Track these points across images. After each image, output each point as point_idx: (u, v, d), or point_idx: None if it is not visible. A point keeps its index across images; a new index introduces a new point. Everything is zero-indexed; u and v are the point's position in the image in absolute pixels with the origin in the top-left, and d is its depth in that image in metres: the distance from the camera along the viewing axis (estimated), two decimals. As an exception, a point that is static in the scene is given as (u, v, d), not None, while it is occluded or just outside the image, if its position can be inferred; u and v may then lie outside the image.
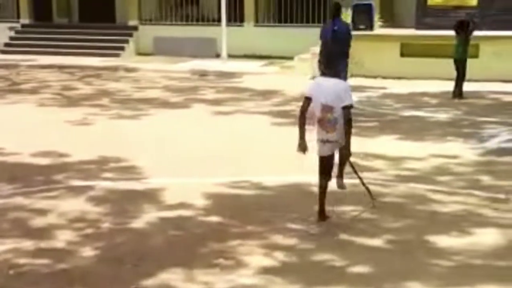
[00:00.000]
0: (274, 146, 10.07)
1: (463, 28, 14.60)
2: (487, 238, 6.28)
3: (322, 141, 6.52)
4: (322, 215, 6.66)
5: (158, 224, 6.71)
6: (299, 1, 22.00)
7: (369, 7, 19.04)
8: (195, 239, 6.24)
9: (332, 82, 6.44)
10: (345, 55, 12.35)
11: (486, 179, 8.33)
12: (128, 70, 19.86)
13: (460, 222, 6.71)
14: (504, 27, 17.20)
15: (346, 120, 6.38)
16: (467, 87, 14.68)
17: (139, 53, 23.18)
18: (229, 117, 12.68)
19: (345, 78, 11.55)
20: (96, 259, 5.83)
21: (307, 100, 6.50)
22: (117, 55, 22.48)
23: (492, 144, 10.00)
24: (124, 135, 10.94)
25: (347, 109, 6.37)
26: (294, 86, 15.10)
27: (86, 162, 9.08)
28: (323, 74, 6.58)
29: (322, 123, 6.44)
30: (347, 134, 6.47)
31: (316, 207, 6.77)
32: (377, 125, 11.72)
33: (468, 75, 14.68)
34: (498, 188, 7.87)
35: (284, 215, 6.84)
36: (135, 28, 23.71)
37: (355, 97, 14.03)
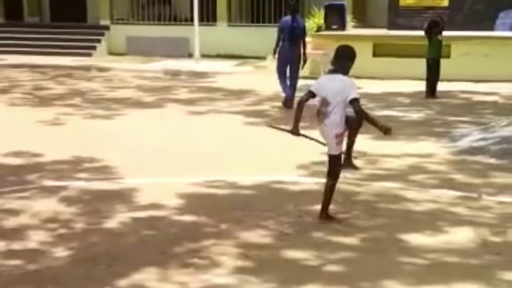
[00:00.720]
0: (248, 145, 10.07)
1: (435, 28, 14.72)
2: (460, 236, 6.32)
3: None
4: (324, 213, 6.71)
5: (132, 224, 6.67)
6: (271, 1, 22.02)
7: (341, 8, 19.12)
8: (169, 239, 6.20)
9: (336, 79, 6.52)
10: (299, 45, 13.49)
11: (458, 177, 8.40)
12: (100, 69, 19.74)
13: (434, 221, 6.76)
14: (475, 27, 17.38)
15: (357, 111, 6.50)
16: (439, 86, 14.81)
17: (111, 53, 23.04)
18: (203, 116, 12.65)
19: (299, 66, 13.64)
20: (69, 259, 5.78)
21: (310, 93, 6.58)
22: (89, 55, 22.32)
23: (464, 143, 10.07)
24: (97, 135, 10.86)
25: (355, 102, 6.42)
26: (267, 85, 15.11)
27: (59, 162, 9.00)
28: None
29: (317, 114, 6.56)
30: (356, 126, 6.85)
31: (290, 207, 6.79)
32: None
33: (440, 75, 14.81)
34: (470, 187, 7.94)
35: (258, 214, 6.84)
36: (107, 27, 23.57)
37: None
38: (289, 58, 13.48)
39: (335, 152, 6.60)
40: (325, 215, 6.66)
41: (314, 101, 6.58)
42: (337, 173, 6.68)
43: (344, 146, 6.76)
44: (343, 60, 6.56)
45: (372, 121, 6.61)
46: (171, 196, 7.44)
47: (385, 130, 6.49)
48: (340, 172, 6.70)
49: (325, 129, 6.50)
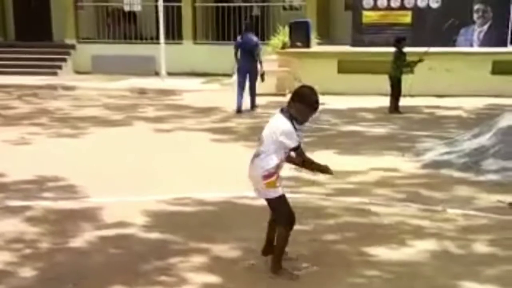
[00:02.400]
0: (214, 162, 10.09)
1: (398, 45, 14.92)
2: (425, 249, 6.40)
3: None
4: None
5: (98, 242, 6.64)
6: (236, 19, 22.14)
7: (306, 25, 19.32)
8: (136, 257, 6.19)
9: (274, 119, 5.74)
10: (253, 60, 15.21)
11: (423, 191, 8.49)
12: (66, 88, 19.64)
13: (399, 234, 6.83)
14: (438, 43, 17.62)
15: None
16: (403, 102, 15.00)
17: (77, 72, 22.97)
18: (170, 134, 12.66)
19: (255, 78, 15.26)
20: (36, 279, 5.74)
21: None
22: (54, 74, 22.21)
23: (428, 157, 10.18)
24: (63, 154, 10.80)
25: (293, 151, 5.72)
26: (234, 103, 15.16)
27: (24, 182, 8.93)
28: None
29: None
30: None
31: (260, 223, 6.83)
32: (316, 140, 11.83)
33: (404, 90, 15.00)
34: (434, 200, 8.04)
35: (226, 231, 6.86)
36: (72, 46, 23.51)
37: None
38: (244, 71, 15.32)
39: (269, 197, 5.72)
40: (278, 268, 5.82)
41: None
42: (284, 220, 5.78)
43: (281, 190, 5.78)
44: (292, 101, 5.64)
45: (311, 167, 5.98)
46: (137, 214, 7.43)
47: (324, 170, 5.93)
48: (289, 217, 5.77)
49: (251, 167, 5.76)
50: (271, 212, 5.94)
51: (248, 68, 15.29)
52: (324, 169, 5.94)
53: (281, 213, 5.78)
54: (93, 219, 7.35)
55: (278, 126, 5.59)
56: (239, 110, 15.04)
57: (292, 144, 5.58)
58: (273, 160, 5.59)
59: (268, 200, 5.75)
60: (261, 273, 5.82)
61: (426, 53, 14.97)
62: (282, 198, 5.73)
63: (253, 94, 15.48)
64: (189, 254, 6.24)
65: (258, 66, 15.34)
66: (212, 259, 6.13)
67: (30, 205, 7.89)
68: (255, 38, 15.53)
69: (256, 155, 5.69)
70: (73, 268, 5.98)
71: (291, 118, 5.59)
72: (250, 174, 5.76)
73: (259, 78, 15.42)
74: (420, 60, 14.84)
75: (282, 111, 5.65)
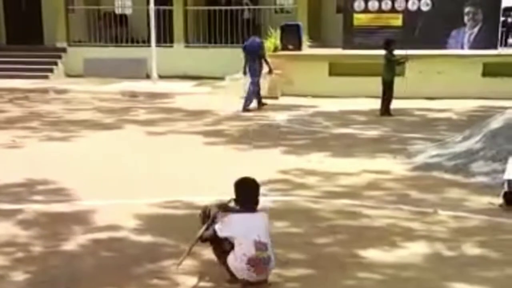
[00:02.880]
0: (206, 165, 10.10)
1: (388, 48, 14.98)
2: (417, 251, 6.42)
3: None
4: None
5: (90, 246, 6.63)
6: (228, 22, 22.15)
7: (297, 28, 19.36)
8: (128, 260, 6.19)
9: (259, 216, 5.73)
10: (259, 60, 16.07)
11: (414, 193, 8.52)
12: (58, 91, 19.60)
13: (391, 236, 6.85)
14: (429, 46, 17.70)
15: None
16: (394, 104, 15.04)
17: (68, 75, 22.93)
18: (162, 137, 12.65)
19: (258, 77, 16.01)
20: (28, 283, 5.73)
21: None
22: (46, 77, 22.18)
23: (420, 159, 10.22)
24: (55, 157, 10.79)
25: None
26: (226, 105, 15.18)
27: (15, 185, 8.91)
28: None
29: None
30: None
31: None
32: (308, 142, 11.87)
33: (395, 93, 15.05)
34: (426, 202, 8.07)
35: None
36: (63, 49, 23.47)
37: (285, 115, 14.32)
38: (251, 72, 16.02)
39: None
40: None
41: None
42: None
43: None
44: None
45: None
46: (129, 217, 7.42)
47: None
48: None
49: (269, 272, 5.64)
50: None
51: (252, 69, 15.99)
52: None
53: None
54: (85, 222, 7.35)
55: (265, 219, 5.74)
56: (247, 109, 15.69)
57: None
58: None
59: None
60: (253, 275, 5.83)
61: (406, 56, 15.06)
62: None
63: (258, 92, 16.08)
64: (181, 257, 6.23)
65: (265, 65, 16.23)
66: (204, 262, 6.13)
67: (22, 208, 7.87)
68: (258, 40, 16.50)
69: (269, 260, 5.56)
70: (65, 271, 5.97)
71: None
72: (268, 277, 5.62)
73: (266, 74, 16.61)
74: (402, 62, 15.00)
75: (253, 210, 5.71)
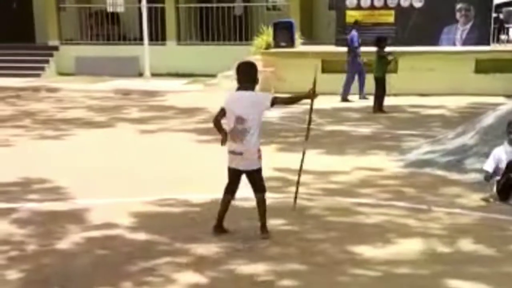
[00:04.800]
0: (199, 163, 10.10)
1: (380, 45, 15.01)
2: (411, 247, 6.43)
3: (231, 152, 6.57)
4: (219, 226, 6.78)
5: (85, 244, 6.63)
6: (220, 19, 22.15)
7: (289, 25, 19.38)
8: (122, 258, 6.18)
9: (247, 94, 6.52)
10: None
11: (408, 190, 8.54)
12: (50, 90, 19.57)
13: (385, 233, 6.86)
14: (421, 43, 17.74)
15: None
16: (387, 101, 15.07)
17: (60, 73, 22.91)
18: (154, 135, 12.65)
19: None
20: (22, 281, 5.72)
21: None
22: (37, 76, 22.16)
23: (413, 156, 10.24)
24: (48, 155, 10.77)
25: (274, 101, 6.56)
26: (218, 103, 15.07)
27: (9, 184, 8.89)
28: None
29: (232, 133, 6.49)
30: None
31: (243, 222, 6.85)
32: (301, 140, 11.84)
33: (388, 90, 15.07)
34: (420, 199, 8.09)
35: (211, 231, 6.85)
36: (55, 48, 23.44)
37: (279, 112, 14.29)
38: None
39: (259, 166, 6.58)
40: (267, 229, 6.70)
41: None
42: (264, 186, 6.68)
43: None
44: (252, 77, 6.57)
45: (295, 99, 7.37)
46: (123, 215, 7.42)
47: (310, 93, 7.22)
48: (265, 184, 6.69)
49: (243, 146, 6.45)
50: (230, 192, 6.65)
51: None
52: (309, 95, 7.19)
53: (262, 180, 6.62)
54: (79, 220, 7.34)
55: (257, 97, 6.54)
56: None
57: (269, 101, 6.47)
58: (260, 135, 6.49)
59: (255, 170, 6.52)
60: (246, 273, 5.83)
61: (391, 54, 15.13)
62: (261, 168, 6.60)
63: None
64: (175, 254, 6.24)
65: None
66: (198, 259, 6.14)
67: (16, 207, 7.86)
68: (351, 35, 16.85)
69: (244, 132, 6.39)
70: (60, 269, 5.96)
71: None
72: (244, 149, 6.42)
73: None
74: (389, 62, 15.08)
75: (246, 89, 6.48)
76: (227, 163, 6.63)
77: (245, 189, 6.72)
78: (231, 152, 6.53)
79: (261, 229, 6.68)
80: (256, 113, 6.44)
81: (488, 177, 8.06)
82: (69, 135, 12.65)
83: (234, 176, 6.62)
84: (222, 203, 6.73)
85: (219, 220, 6.76)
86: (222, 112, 6.57)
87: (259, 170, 6.59)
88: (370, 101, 15.26)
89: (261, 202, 6.66)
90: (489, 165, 8.07)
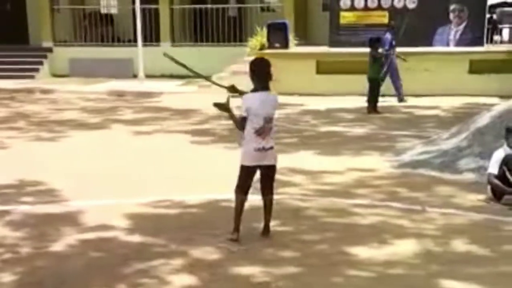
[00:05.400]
0: (194, 164, 10.09)
1: (373, 46, 15.04)
2: (405, 248, 6.45)
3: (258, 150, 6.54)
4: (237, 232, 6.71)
5: (79, 246, 6.62)
6: (214, 21, 22.13)
7: (283, 26, 19.35)
8: (117, 260, 6.17)
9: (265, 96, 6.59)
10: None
11: (402, 191, 8.55)
12: (44, 92, 19.53)
13: (379, 234, 6.87)
14: (414, 43, 17.76)
15: None
16: (381, 102, 15.10)
17: (54, 75, 22.86)
18: (149, 136, 12.63)
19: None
20: (16, 284, 5.71)
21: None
22: (31, 77, 22.09)
23: (407, 156, 10.25)
24: (42, 157, 10.75)
25: None
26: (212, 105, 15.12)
27: (3, 187, 8.86)
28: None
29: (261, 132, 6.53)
30: None
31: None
32: (296, 141, 11.89)
33: (382, 90, 15.10)
34: (414, 200, 8.10)
35: (206, 233, 6.86)
36: (49, 49, 23.37)
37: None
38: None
39: (276, 163, 6.70)
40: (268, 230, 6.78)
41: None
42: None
43: None
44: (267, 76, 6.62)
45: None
46: (118, 217, 7.41)
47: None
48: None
49: (270, 142, 6.57)
50: (245, 192, 6.63)
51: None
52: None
53: (274, 179, 6.74)
54: (73, 222, 7.32)
55: (275, 98, 6.67)
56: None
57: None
58: None
59: (275, 166, 6.67)
60: (241, 274, 5.83)
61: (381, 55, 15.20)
62: None
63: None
64: (170, 256, 6.24)
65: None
66: (193, 261, 6.13)
67: (9, 209, 7.84)
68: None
69: (271, 129, 6.54)
70: (53, 272, 5.95)
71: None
72: (272, 144, 6.58)
73: None
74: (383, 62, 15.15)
75: (266, 88, 6.57)
76: (245, 163, 6.55)
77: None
78: (260, 150, 6.51)
79: (264, 232, 6.78)
80: (274, 116, 6.62)
81: (493, 180, 7.95)
82: (64, 137, 12.62)
83: (251, 175, 6.63)
84: (237, 205, 6.66)
85: (237, 224, 6.68)
86: (245, 120, 6.53)
87: (275, 167, 6.73)
88: (362, 102, 15.25)
89: (270, 203, 6.78)
90: (493, 168, 8.00)
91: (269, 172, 6.66)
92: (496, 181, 7.85)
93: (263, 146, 6.52)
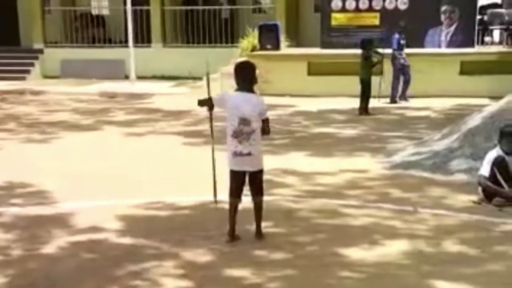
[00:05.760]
0: (186, 166, 10.08)
1: (364, 47, 15.07)
2: (397, 249, 6.45)
3: (235, 154, 6.52)
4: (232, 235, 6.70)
5: (71, 248, 6.60)
6: (205, 22, 22.12)
7: (275, 27, 19.38)
8: (109, 262, 6.16)
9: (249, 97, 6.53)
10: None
11: (394, 192, 8.57)
12: (35, 93, 19.48)
13: (371, 235, 6.88)
14: (406, 45, 17.76)
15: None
16: (373, 103, 15.13)
17: (46, 76, 22.79)
18: (141, 138, 12.62)
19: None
20: (7, 286, 5.68)
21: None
22: (22, 79, 22.02)
23: (399, 158, 10.27)
24: (33, 159, 10.72)
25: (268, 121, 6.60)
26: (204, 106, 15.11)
27: (-6, 188, 8.86)
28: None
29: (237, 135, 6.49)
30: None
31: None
32: (287, 142, 11.89)
33: (373, 92, 15.13)
34: (405, 201, 8.11)
35: (198, 235, 6.86)
36: (40, 51, 23.31)
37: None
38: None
39: (263, 167, 6.64)
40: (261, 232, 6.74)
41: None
42: (262, 187, 6.71)
43: None
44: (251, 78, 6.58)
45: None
46: (110, 219, 7.39)
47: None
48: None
49: (248, 148, 6.45)
50: (237, 196, 6.59)
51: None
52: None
53: (262, 182, 6.66)
54: (65, 224, 7.31)
55: (259, 101, 6.55)
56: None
57: (264, 116, 6.52)
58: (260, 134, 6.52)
59: (260, 170, 6.60)
60: (233, 276, 5.83)
61: (377, 53, 15.23)
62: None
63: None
64: (162, 258, 6.23)
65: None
66: (185, 263, 6.13)
67: (0, 211, 7.81)
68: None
69: (251, 133, 6.41)
70: (45, 274, 5.93)
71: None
72: (252, 149, 6.43)
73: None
74: (377, 62, 15.13)
75: (248, 90, 6.49)
76: (230, 166, 6.56)
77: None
78: (237, 154, 6.46)
79: (257, 234, 6.72)
80: (258, 114, 6.47)
81: (484, 181, 7.98)
82: (55, 138, 12.59)
83: (239, 179, 6.57)
84: (230, 208, 6.65)
85: (233, 227, 6.67)
86: (211, 101, 6.71)
87: (262, 171, 6.65)
88: (353, 103, 15.27)
89: (260, 205, 6.69)
90: (485, 169, 8.03)
91: (253, 178, 6.60)
92: (487, 183, 7.88)
93: (240, 151, 6.45)
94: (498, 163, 7.84)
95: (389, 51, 16.47)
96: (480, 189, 7.97)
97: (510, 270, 5.95)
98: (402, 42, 16.77)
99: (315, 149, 11.21)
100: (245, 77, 6.55)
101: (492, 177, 7.84)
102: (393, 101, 16.65)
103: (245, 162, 6.48)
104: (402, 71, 16.81)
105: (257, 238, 6.70)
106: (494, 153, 8.04)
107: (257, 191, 6.64)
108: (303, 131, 13.17)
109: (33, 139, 12.49)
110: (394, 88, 16.79)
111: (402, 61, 16.78)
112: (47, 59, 23.11)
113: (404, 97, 16.85)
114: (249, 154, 6.44)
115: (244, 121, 6.39)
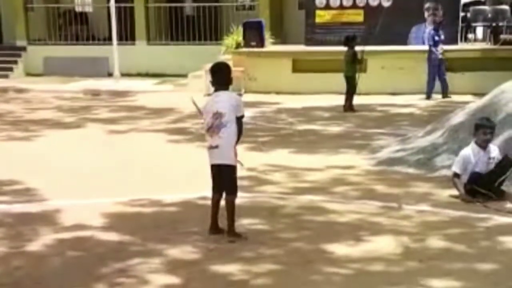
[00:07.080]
0: (171, 163, 10.07)
1: (349, 44, 15.09)
2: (383, 245, 6.47)
3: (208, 148, 6.61)
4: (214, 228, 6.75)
5: (56, 246, 6.57)
6: (190, 19, 22.09)
7: (259, 25, 19.38)
8: (95, 259, 6.14)
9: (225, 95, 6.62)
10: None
11: (379, 188, 8.59)
12: (18, 91, 19.38)
13: (357, 231, 6.89)
14: (390, 42, 17.84)
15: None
16: (357, 100, 15.15)
17: (29, 74, 22.69)
18: (125, 135, 12.58)
19: None
20: (-8, 284, 5.67)
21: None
22: (5, 76, 21.92)
23: (383, 154, 10.31)
24: (17, 157, 10.67)
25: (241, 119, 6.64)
26: (188, 103, 15.07)
27: (-23, 186, 8.80)
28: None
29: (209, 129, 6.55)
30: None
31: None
32: (272, 139, 11.90)
33: (358, 89, 15.15)
34: (390, 197, 8.13)
35: (184, 231, 6.85)
36: (23, 48, 23.20)
37: (250, 112, 14.27)
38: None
39: (232, 163, 6.56)
40: (235, 233, 6.63)
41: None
42: (236, 188, 6.63)
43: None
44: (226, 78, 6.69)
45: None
46: (95, 216, 7.37)
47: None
48: (237, 185, 6.64)
49: (217, 141, 6.47)
50: (216, 191, 6.65)
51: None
52: None
53: (234, 181, 6.59)
54: (50, 222, 7.27)
55: (232, 96, 6.70)
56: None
57: (240, 113, 6.57)
58: (236, 133, 6.54)
59: (228, 166, 6.50)
60: (219, 273, 5.83)
61: (363, 52, 15.19)
62: (236, 167, 6.56)
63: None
64: (148, 255, 6.21)
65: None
66: (171, 260, 6.11)
67: (-15, 209, 7.77)
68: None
69: (220, 125, 6.42)
70: (30, 272, 5.90)
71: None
72: (220, 142, 6.44)
73: None
74: (360, 60, 15.11)
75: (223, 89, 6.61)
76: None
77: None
78: (209, 148, 6.57)
79: (228, 233, 6.64)
80: (232, 110, 6.48)
81: (456, 177, 8.07)
82: (39, 136, 12.54)
83: (213, 173, 6.62)
84: (212, 203, 6.72)
85: (213, 221, 6.73)
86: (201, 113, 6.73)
87: (232, 168, 6.55)
88: (338, 101, 15.30)
89: (230, 204, 6.60)
90: (457, 166, 8.12)
91: (219, 172, 6.57)
92: (455, 180, 8.01)
93: (210, 144, 6.55)
94: (474, 181, 7.93)
95: (372, 48, 16.49)
96: (461, 187, 8.02)
97: (496, 265, 5.98)
98: (437, 38, 16.88)
99: (300, 146, 11.23)
100: (220, 78, 6.64)
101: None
102: (428, 97, 16.74)
103: (213, 155, 6.56)
104: (439, 67, 16.88)
105: (228, 236, 6.59)
106: (469, 150, 8.11)
107: (226, 189, 6.59)
108: (288, 128, 13.17)
109: (16, 137, 12.43)
110: (430, 82, 16.87)
111: (440, 56, 16.84)
112: (30, 57, 23.00)
113: (446, 94, 16.87)
114: (216, 147, 6.49)
115: (216, 115, 6.45)
